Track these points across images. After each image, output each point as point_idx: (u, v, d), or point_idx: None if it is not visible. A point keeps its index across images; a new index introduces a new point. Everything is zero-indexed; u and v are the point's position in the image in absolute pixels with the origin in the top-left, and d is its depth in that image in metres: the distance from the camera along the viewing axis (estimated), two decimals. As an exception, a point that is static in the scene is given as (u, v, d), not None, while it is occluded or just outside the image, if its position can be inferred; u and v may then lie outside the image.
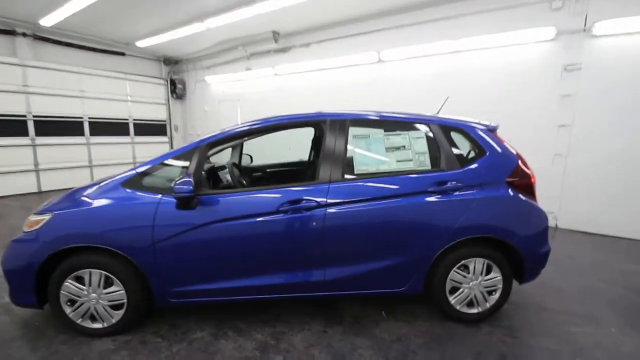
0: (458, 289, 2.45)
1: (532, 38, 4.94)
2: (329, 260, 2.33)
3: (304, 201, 2.25)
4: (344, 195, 2.30)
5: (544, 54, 4.96)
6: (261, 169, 3.96)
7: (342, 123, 2.46)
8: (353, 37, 6.66)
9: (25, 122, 7.45)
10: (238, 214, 2.24)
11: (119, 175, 2.41)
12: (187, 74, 10.24)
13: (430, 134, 2.47)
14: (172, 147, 10.30)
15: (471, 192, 2.35)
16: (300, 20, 6.66)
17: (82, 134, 8.45)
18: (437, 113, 2.77)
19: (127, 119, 9.36)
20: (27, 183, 7.62)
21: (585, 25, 4.58)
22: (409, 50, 6.00)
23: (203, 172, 2.53)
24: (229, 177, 3.00)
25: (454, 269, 2.40)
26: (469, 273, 2.42)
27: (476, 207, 2.33)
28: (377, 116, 2.56)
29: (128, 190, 2.30)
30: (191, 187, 2.08)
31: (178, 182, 2.10)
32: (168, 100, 10.37)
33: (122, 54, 9.14)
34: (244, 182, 3.16)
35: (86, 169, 8.58)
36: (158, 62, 10.16)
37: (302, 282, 2.35)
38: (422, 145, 2.45)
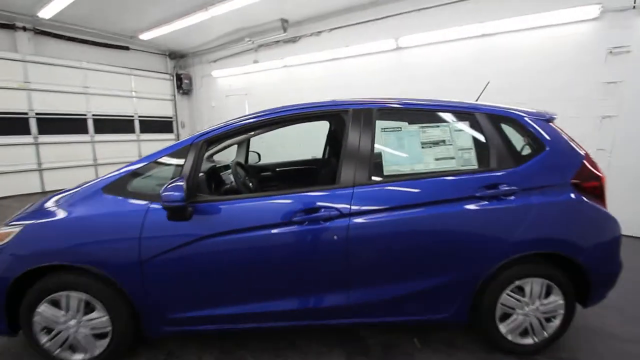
0: (510, 315, 2.00)
1: (572, 17, 4.38)
2: (353, 282, 1.90)
3: (323, 209, 1.83)
4: (371, 201, 1.87)
5: (585, 35, 4.39)
6: (270, 168, 3.55)
7: (367, 113, 2.01)
8: (368, 23, 6.16)
9: (27, 119, 7.20)
10: (241, 225, 1.83)
11: (100, 178, 2.03)
12: (193, 69, 9.87)
13: (476, 126, 2.01)
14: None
15: (529, 197, 1.88)
16: (310, 6, 6.19)
17: (86, 131, 8.17)
18: (476, 101, 2.31)
19: (132, 116, 9.07)
20: (31, 183, 7.37)
21: (635, 1, 4.01)
22: (430, 36, 5.48)
23: (202, 174, 2.14)
24: (232, 179, 2.59)
25: (506, 291, 1.95)
26: (524, 296, 1.97)
27: (535, 215, 1.87)
28: (409, 104, 2.09)
29: (109, 197, 1.91)
30: (182, 194, 1.68)
31: (167, 187, 1.70)
32: (174, 96, 10.04)
33: (126, 48, 8.82)
34: (250, 184, 2.75)
35: (91, 167, 8.32)
36: (163, 57, 9.82)
37: (319, 307, 1.93)
38: (467, 140, 1.99)
